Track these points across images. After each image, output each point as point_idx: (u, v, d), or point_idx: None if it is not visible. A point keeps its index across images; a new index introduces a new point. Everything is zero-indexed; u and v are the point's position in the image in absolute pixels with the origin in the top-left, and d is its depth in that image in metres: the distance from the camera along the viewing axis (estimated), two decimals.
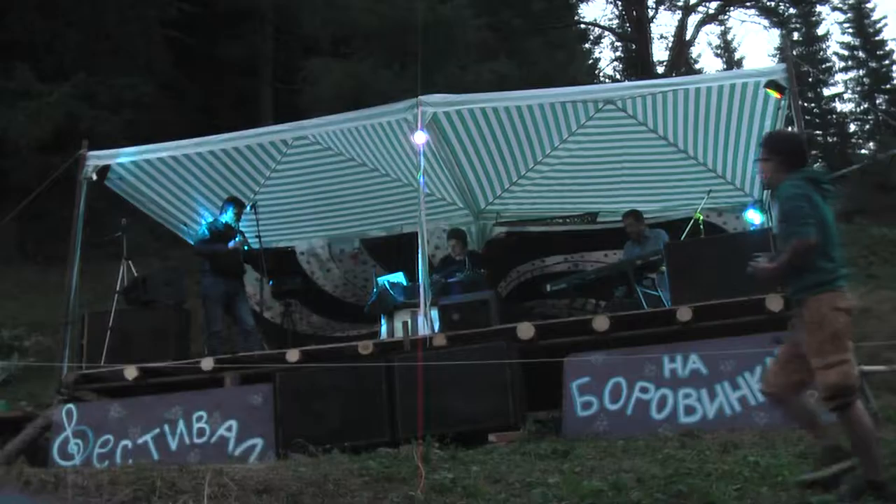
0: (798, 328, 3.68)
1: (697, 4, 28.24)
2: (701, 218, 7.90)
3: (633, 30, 28.71)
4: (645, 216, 8.22)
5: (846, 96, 34.59)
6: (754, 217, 8.28)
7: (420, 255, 6.65)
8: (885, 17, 34.11)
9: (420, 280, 6.61)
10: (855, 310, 3.67)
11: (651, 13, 28.45)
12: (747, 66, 37.57)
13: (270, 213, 8.98)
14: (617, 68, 33.26)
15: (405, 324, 6.78)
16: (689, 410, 5.58)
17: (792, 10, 31.39)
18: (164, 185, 8.12)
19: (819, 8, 33.12)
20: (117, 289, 7.52)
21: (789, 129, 6.74)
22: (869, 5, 33.28)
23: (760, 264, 3.81)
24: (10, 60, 13.43)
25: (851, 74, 34.45)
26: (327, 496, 3.59)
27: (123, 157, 7.54)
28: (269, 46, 17.84)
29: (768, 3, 28.41)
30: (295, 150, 8.46)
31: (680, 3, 28.22)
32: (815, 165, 4.12)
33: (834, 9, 32.97)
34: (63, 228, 8.21)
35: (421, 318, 6.59)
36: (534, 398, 6.23)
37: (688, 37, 29.23)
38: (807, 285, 3.62)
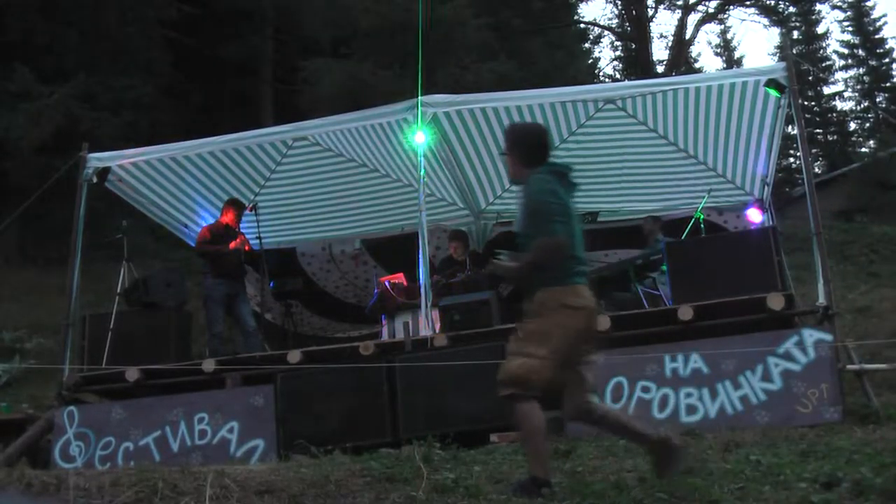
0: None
1: (697, 3, 28.26)
2: (702, 217, 7.91)
3: (633, 29, 28.73)
4: (645, 216, 8.23)
5: (846, 94, 34.67)
6: (755, 216, 8.29)
7: (421, 256, 6.65)
8: (884, 16, 34.22)
9: (421, 280, 6.61)
10: (589, 310, 3.58)
11: (651, 12, 28.49)
12: (747, 64, 37.63)
13: (271, 214, 8.99)
14: (617, 68, 33.36)
15: (406, 324, 6.79)
16: (691, 410, 5.58)
17: (792, 9, 31.43)
18: (164, 187, 8.12)
19: (819, 6, 33.21)
20: (118, 290, 7.52)
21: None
22: (868, 3, 33.34)
23: (503, 262, 3.71)
24: (10, 62, 13.44)
25: (851, 73, 34.52)
26: (329, 497, 3.59)
27: (123, 158, 7.54)
28: (269, 47, 17.86)
29: (768, 2, 28.42)
30: (295, 151, 8.46)
31: (679, 2, 28.23)
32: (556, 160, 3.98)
33: (834, 7, 33.05)
34: (64, 230, 8.22)
35: (422, 319, 6.59)
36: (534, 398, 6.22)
37: (687, 36, 29.26)
38: (542, 279, 3.54)
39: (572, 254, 3.59)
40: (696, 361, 5.68)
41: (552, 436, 5.55)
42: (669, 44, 30.40)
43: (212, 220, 8.31)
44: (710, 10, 29.13)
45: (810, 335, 5.58)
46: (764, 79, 6.51)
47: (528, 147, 3.87)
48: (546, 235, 3.51)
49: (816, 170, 29.49)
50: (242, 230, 8.11)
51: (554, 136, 8.21)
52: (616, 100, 7.67)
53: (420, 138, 6.86)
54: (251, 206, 8.30)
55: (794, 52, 23.59)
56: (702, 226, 7.78)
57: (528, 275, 3.62)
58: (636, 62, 28.50)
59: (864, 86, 33.46)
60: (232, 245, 7.77)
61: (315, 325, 9.41)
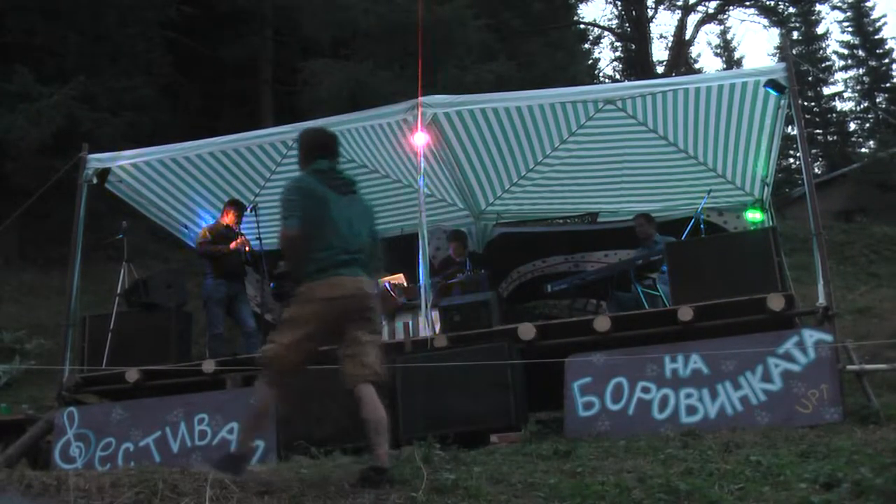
0: None
1: (697, 4, 28.28)
2: (702, 217, 7.90)
3: (633, 30, 28.75)
4: (636, 215, 8.21)
5: (846, 95, 34.67)
6: (755, 216, 8.29)
7: (421, 257, 6.65)
8: (884, 16, 34.26)
9: (421, 281, 6.61)
10: (344, 299, 3.90)
11: (650, 13, 28.50)
12: (747, 65, 37.68)
13: (271, 214, 8.97)
14: (617, 68, 33.37)
15: (406, 325, 6.78)
16: (691, 410, 5.57)
17: (791, 9, 31.44)
18: (164, 188, 8.12)
19: (818, 7, 33.20)
20: (118, 291, 7.51)
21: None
22: (868, 4, 33.36)
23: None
24: (10, 63, 13.44)
25: (851, 73, 34.52)
26: (329, 498, 3.58)
27: (124, 159, 7.54)
28: (268, 48, 17.86)
29: (768, 3, 28.43)
30: (295, 152, 8.40)
31: (679, 3, 28.25)
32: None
33: (833, 7, 33.05)
34: (64, 231, 8.22)
35: (422, 319, 6.59)
36: (535, 399, 6.22)
37: (687, 36, 29.30)
38: (307, 272, 3.90)
39: (329, 246, 3.91)
40: (696, 362, 5.68)
41: (553, 436, 5.57)
42: (669, 44, 30.46)
43: (212, 221, 8.30)
44: (710, 11, 29.17)
45: (810, 336, 5.57)
46: (764, 79, 6.51)
47: (304, 149, 4.22)
48: (282, 228, 3.91)
49: (816, 170, 29.51)
50: (243, 231, 8.11)
51: (554, 137, 8.22)
52: (616, 100, 7.67)
53: (420, 140, 6.86)
54: (251, 206, 8.30)
55: (794, 52, 23.62)
56: (702, 226, 7.77)
57: (293, 266, 4.08)
58: (636, 63, 28.51)
59: (864, 86, 33.47)
60: (232, 245, 7.77)
61: None
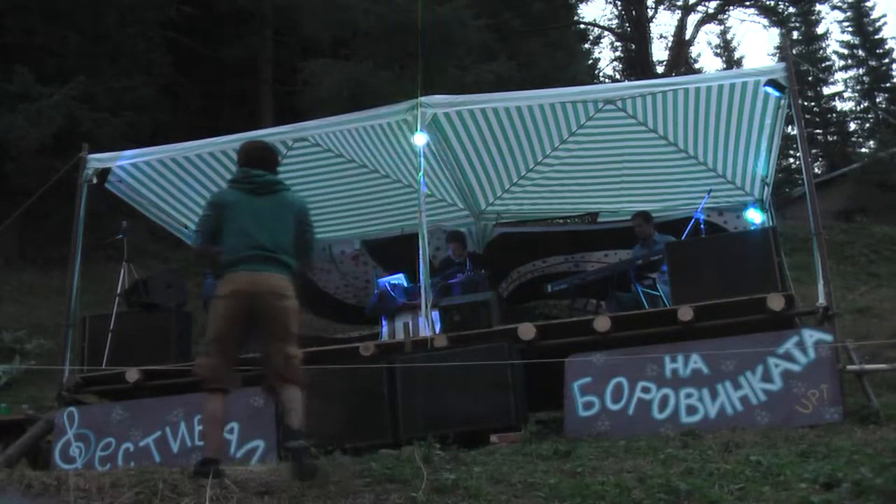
0: None
1: (697, 4, 28.30)
2: (703, 217, 7.89)
3: (633, 30, 28.76)
4: (634, 214, 8.21)
5: (846, 95, 34.67)
6: (755, 216, 8.28)
7: (421, 257, 6.65)
8: (884, 16, 34.27)
9: (421, 281, 6.61)
10: (237, 293, 4.04)
11: (650, 13, 28.52)
12: (747, 65, 37.66)
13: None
14: (616, 68, 33.39)
15: (406, 325, 6.78)
16: (691, 410, 5.57)
17: (791, 9, 31.44)
18: (164, 188, 8.11)
19: (818, 7, 33.18)
20: (118, 291, 7.51)
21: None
22: (868, 4, 33.34)
23: None
24: (10, 63, 13.44)
25: (851, 73, 34.51)
26: (329, 498, 3.59)
27: (124, 159, 7.53)
28: (268, 48, 17.86)
29: (768, 2, 28.43)
30: (295, 152, 8.46)
31: (679, 3, 28.27)
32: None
33: (833, 7, 33.04)
34: (64, 231, 8.21)
35: (422, 320, 6.59)
36: (535, 399, 6.22)
37: (687, 36, 29.32)
38: (216, 274, 4.28)
39: (233, 246, 4.13)
40: (697, 362, 5.68)
41: (553, 436, 5.57)
42: (669, 44, 30.48)
43: None
44: (710, 11, 29.20)
45: (810, 335, 5.58)
46: (764, 79, 6.50)
47: (238, 161, 4.50)
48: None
49: (816, 170, 29.49)
50: None
51: (554, 137, 8.22)
52: (616, 100, 7.67)
53: (420, 140, 6.86)
54: None
55: (794, 52, 23.62)
56: (702, 226, 7.77)
57: (214, 275, 4.46)
58: (636, 63, 28.52)
59: (863, 86, 33.45)
60: None
61: (315, 325, 9.41)
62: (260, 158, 4.43)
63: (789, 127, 10.37)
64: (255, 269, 4.08)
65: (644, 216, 8.02)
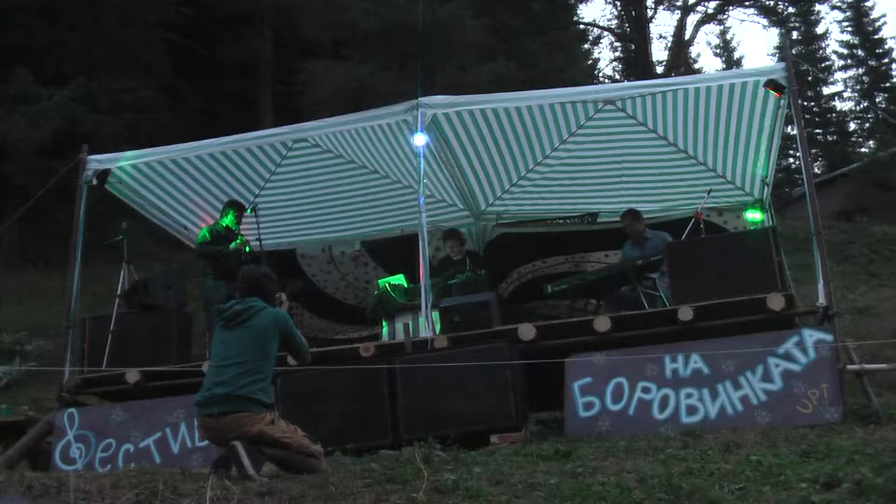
0: None
1: (696, 4, 28.29)
2: (702, 217, 7.89)
3: (632, 30, 28.75)
4: (645, 216, 8.20)
5: (846, 95, 34.67)
6: (755, 216, 8.28)
7: (421, 257, 6.65)
8: (884, 16, 34.31)
9: (421, 282, 6.61)
10: (208, 437, 4.39)
11: (650, 13, 28.51)
12: (746, 65, 37.67)
13: (271, 215, 8.99)
14: (616, 68, 33.38)
15: (406, 325, 6.78)
16: (691, 410, 5.57)
17: (791, 9, 31.43)
18: (164, 189, 8.12)
19: (818, 7, 33.18)
20: (118, 292, 7.50)
21: None
22: (868, 4, 33.37)
23: None
24: (10, 64, 13.45)
25: (851, 73, 34.52)
26: (329, 499, 3.58)
27: (123, 160, 7.53)
28: (268, 49, 17.88)
29: (767, 3, 28.43)
30: (295, 153, 8.46)
31: (679, 3, 28.27)
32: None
33: (833, 7, 33.03)
34: (64, 232, 8.22)
35: (422, 320, 6.58)
36: (535, 399, 6.23)
37: (687, 36, 29.32)
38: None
39: (206, 382, 4.39)
40: (697, 362, 5.68)
41: (553, 436, 5.57)
42: (669, 44, 30.47)
43: (212, 222, 8.30)
44: (710, 11, 29.17)
45: (810, 335, 5.58)
46: (764, 79, 6.50)
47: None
48: None
49: (816, 170, 29.52)
50: (242, 231, 8.10)
51: (554, 137, 8.22)
52: (616, 101, 7.67)
53: (420, 140, 6.86)
54: (251, 207, 8.30)
55: (794, 52, 23.58)
56: (702, 226, 7.76)
57: None
58: (635, 63, 28.51)
59: (863, 86, 33.48)
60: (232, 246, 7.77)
61: (315, 326, 9.40)
62: (250, 287, 4.63)
63: (789, 127, 10.39)
64: (213, 413, 4.25)
65: (633, 214, 7.99)
